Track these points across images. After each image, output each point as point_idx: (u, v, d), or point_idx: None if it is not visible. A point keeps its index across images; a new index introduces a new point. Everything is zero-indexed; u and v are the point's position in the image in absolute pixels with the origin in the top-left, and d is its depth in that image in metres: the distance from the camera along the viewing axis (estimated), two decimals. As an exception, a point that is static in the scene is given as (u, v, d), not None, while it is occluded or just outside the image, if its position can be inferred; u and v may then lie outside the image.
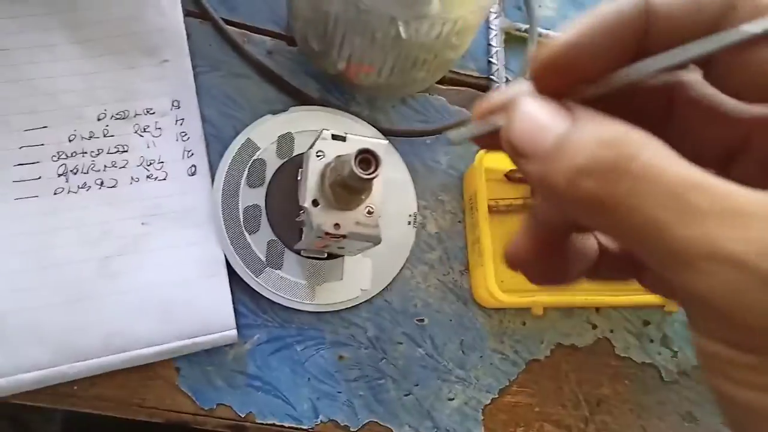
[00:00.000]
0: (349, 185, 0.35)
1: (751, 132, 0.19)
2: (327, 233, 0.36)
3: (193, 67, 0.44)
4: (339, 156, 0.37)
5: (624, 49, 0.17)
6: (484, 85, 0.51)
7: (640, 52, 0.17)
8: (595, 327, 0.48)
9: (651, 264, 0.16)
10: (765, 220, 0.13)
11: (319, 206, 0.36)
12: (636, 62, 0.17)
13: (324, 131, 0.37)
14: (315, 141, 0.38)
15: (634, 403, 0.47)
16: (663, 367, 0.48)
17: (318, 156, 0.37)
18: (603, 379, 0.47)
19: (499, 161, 0.46)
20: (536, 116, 0.17)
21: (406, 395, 0.43)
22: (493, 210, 0.46)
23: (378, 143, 0.37)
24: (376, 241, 0.37)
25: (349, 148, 0.37)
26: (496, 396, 0.45)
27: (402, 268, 0.45)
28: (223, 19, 0.45)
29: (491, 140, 0.19)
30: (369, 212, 0.37)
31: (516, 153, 0.18)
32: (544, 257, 0.22)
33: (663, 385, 0.48)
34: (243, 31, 0.46)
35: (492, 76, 0.50)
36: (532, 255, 0.22)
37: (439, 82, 0.48)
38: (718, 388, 0.16)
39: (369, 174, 0.33)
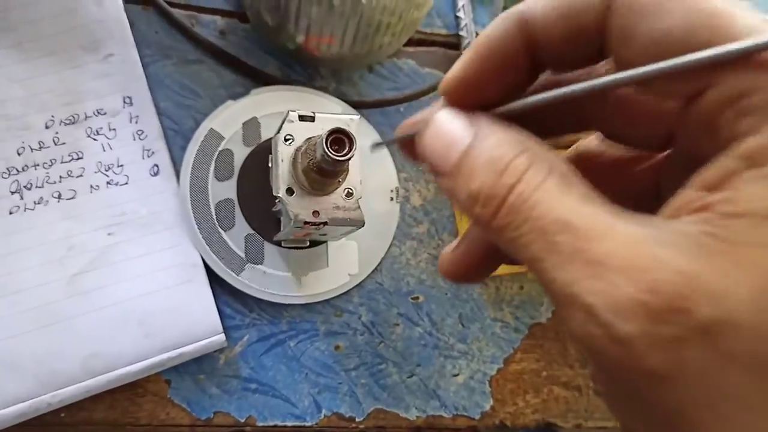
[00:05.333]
0: (323, 169, 0.32)
1: (672, 128, 0.18)
2: (306, 222, 0.34)
3: (141, 58, 0.40)
4: (309, 138, 0.34)
5: (514, 67, 0.18)
6: (454, 43, 0.48)
7: (538, 62, 0.18)
8: (594, 282, 0.46)
9: None
10: (615, 271, 0.13)
11: (294, 195, 0.34)
12: (538, 94, 0.17)
13: (290, 113, 0.35)
14: (282, 124, 0.35)
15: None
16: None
17: (287, 140, 0.34)
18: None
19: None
20: (444, 130, 0.18)
21: (410, 377, 0.41)
22: (478, 174, 0.43)
23: (349, 119, 0.34)
24: (359, 224, 0.35)
25: (319, 127, 0.35)
26: (502, 366, 0.43)
27: (389, 246, 0.43)
28: (166, 1, 0.41)
29: (414, 150, 0.20)
30: (348, 194, 0.35)
31: (430, 168, 0.19)
32: (480, 267, 0.23)
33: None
34: (190, 12, 0.42)
35: (461, 32, 0.47)
36: (470, 269, 0.23)
37: (406, 45, 0.45)
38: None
39: (343, 155, 0.31)
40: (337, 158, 0.31)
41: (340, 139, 0.31)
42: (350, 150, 0.31)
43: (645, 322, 0.13)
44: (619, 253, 0.14)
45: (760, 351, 0.13)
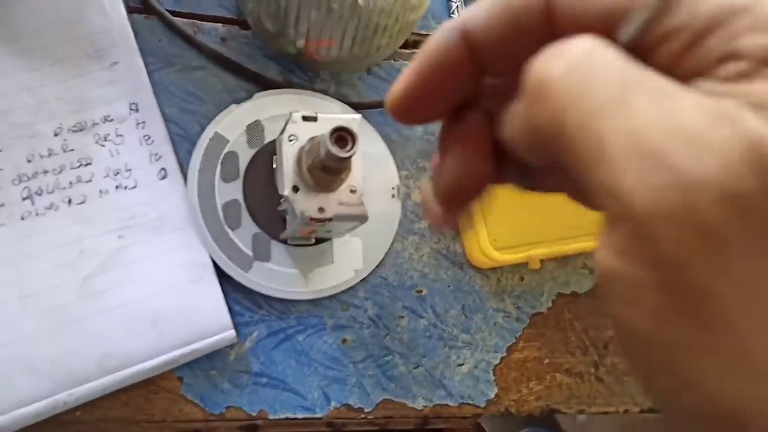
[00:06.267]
0: (328, 166, 0.33)
1: None
2: (312, 219, 0.35)
3: (146, 66, 0.41)
4: (313, 137, 0.35)
5: (457, 76, 0.18)
6: (448, 43, 0.49)
7: (482, 70, 0.18)
8: (592, 271, 0.47)
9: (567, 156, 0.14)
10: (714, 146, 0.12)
11: (299, 192, 0.35)
12: None
13: (293, 114, 0.36)
14: (285, 125, 0.36)
15: (640, 340, 0.47)
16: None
17: (291, 140, 0.36)
18: (607, 321, 0.47)
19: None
20: None
21: (416, 368, 0.43)
22: (475, 169, 0.45)
23: (351, 119, 0.36)
24: (362, 219, 0.36)
25: (322, 127, 0.36)
26: (505, 354, 0.44)
27: (392, 242, 0.44)
28: (169, 11, 0.43)
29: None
30: (352, 191, 0.36)
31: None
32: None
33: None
34: (192, 20, 0.43)
35: (455, 33, 0.49)
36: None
37: (402, 47, 0.47)
38: (612, 310, 0.14)
39: (347, 152, 0.32)
40: (341, 155, 0.32)
41: (343, 136, 0.32)
42: (353, 146, 0.32)
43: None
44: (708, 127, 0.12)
45: None
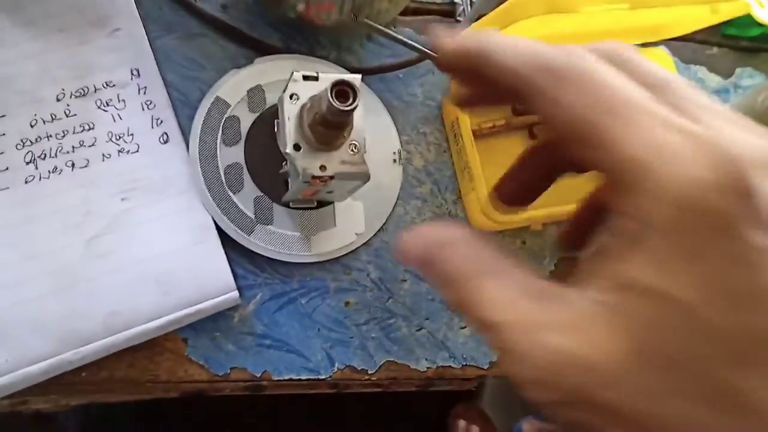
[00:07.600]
0: (329, 121, 0.34)
1: None
2: (314, 176, 0.35)
3: (147, 33, 0.42)
4: (314, 96, 0.36)
5: None
6: (448, 11, 0.49)
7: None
8: (593, 236, 0.48)
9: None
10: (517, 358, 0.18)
11: (301, 150, 0.35)
12: None
13: (294, 73, 0.36)
14: (287, 85, 0.36)
15: (642, 304, 0.47)
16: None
17: (292, 99, 0.36)
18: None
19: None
20: None
21: (418, 330, 0.43)
22: (476, 134, 0.45)
23: (352, 76, 0.36)
24: (364, 178, 0.36)
25: (323, 86, 0.36)
26: (507, 318, 0.45)
27: (394, 206, 0.44)
28: (169, -22, 0.43)
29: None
30: (353, 149, 0.36)
31: None
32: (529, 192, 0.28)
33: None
34: (192, -12, 0.44)
35: (456, 0, 0.49)
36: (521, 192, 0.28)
37: (402, 14, 0.47)
38: None
39: (348, 105, 0.32)
40: (342, 108, 0.32)
41: (344, 90, 0.32)
42: (354, 100, 0.32)
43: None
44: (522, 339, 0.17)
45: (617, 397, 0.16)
